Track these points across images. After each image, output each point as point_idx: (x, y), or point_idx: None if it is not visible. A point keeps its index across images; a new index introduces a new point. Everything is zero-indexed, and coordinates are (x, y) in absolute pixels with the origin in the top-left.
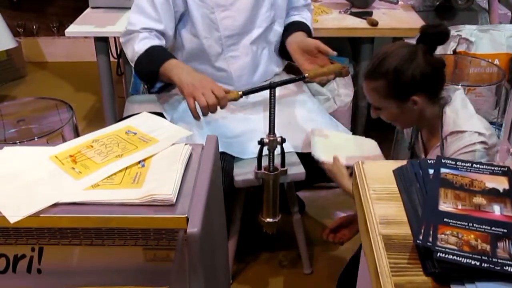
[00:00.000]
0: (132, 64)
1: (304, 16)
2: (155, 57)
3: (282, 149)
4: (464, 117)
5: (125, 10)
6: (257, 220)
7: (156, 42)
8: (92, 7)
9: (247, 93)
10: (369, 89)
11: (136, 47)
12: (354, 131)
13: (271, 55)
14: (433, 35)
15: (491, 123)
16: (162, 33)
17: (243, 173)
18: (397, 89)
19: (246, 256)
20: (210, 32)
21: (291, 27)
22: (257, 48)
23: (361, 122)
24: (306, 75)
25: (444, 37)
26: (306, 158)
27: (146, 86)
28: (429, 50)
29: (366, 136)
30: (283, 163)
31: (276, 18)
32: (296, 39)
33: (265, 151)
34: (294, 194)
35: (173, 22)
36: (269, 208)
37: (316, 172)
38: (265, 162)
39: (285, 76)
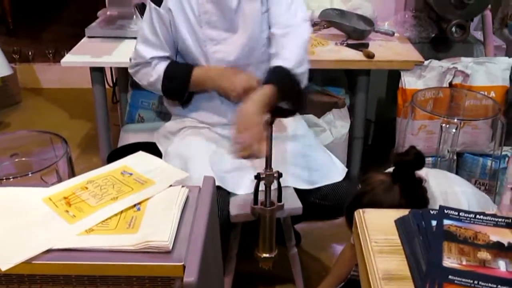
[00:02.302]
0: (159, 91)
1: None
2: (177, 74)
3: (279, 183)
4: None
5: (122, 40)
6: (253, 255)
7: (168, 62)
8: (89, 37)
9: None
10: None
11: (154, 75)
12: (350, 162)
13: None
14: (407, 162)
15: (488, 155)
16: (169, 58)
17: (239, 208)
18: None
19: None
20: (201, 63)
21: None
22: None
23: (357, 154)
24: None
25: (421, 162)
26: (303, 193)
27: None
28: (405, 187)
29: (362, 168)
30: (279, 198)
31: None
32: None
33: (261, 186)
34: (290, 228)
35: (175, 48)
36: (265, 243)
37: (313, 207)
38: (261, 196)
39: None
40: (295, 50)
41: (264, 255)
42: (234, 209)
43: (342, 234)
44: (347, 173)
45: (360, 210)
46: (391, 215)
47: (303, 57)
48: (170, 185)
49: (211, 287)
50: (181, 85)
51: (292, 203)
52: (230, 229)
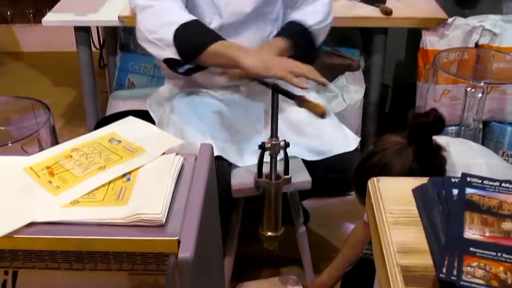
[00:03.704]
0: (167, 33)
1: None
2: (207, 31)
3: (285, 154)
4: None
5: None
6: (257, 234)
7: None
8: None
9: (256, 79)
10: None
11: (179, 15)
12: (365, 132)
13: None
14: (425, 125)
15: None
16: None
17: (242, 181)
18: None
19: (245, 274)
20: (211, 18)
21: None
22: (263, 38)
23: (373, 122)
24: (296, 98)
25: (440, 126)
26: (312, 165)
27: (173, 66)
28: (419, 151)
29: (378, 135)
30: (286, 170)
31: (288, 8)
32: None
33: (267, 157)
34: (298, 204)
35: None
36: (270, 220)
37: (321, 181)
38: (266, 169)
39: None
40: (320, 6)
41: (269, 233)
42: (236, 182)
43: (355, 212)
44: (361, 144)
45: (374, 179)
46: (408, 183)
47: (327, 13)
48: (163, 153)
49: (210, 267)
50: (202, 40)
51: (300, 176)
52: (231, 205)
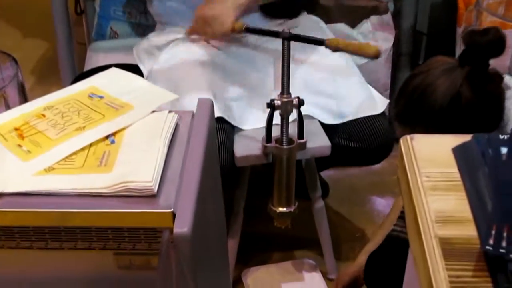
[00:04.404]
0: None
1: None
2: None
3: (299, 114)
4: None
5: None
6: (266, 210)
7: None
8: None
9: (251, 31)
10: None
11: None
12: (395, 87)
13: None
14: (482, 45)
15: None
16: None
17: (247, 147)
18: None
19: (252, 257)
20: None
21: None
22: None
23: (404, 76)
24: (327, 41)
25: (500, 46)
26: (330, 130)
27: None
28: (473, 72)
29: None
30: (300, 134)
31: None
32: None
33: (277, 117)
34: (315, 174)
35: None
36: (281, 194)
37: (342, 149)
38: (276, 132)
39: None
40: None
41: (281, 209)
42: (240, 148)
43: (382, 184)
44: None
45: (408, 137)
46: (448, 142)
47: None
48: (153, 111)
49: (211, 248)
50: None
51: (318, 141)
52: (235, 177)
